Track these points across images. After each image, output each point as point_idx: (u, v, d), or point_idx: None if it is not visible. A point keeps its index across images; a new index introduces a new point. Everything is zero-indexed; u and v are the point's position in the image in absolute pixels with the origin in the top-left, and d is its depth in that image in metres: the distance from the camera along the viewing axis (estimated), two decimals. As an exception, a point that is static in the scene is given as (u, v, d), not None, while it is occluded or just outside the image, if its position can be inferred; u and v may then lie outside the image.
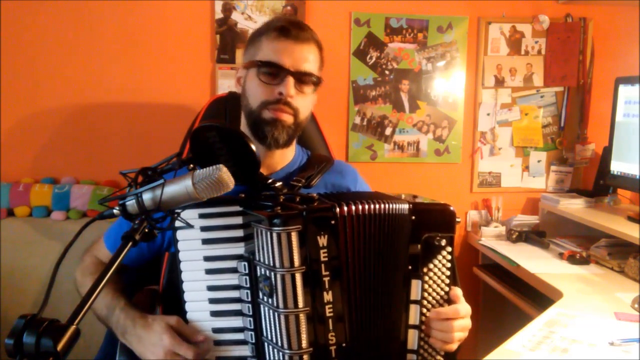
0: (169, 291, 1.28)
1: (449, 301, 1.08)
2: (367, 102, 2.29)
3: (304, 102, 1.22)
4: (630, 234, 1.79)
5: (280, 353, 0.96)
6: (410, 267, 1.06)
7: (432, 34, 2.29)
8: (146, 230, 0.85)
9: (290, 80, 1.17)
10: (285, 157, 1.31)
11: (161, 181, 0.86)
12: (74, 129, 2.15)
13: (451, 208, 1.08)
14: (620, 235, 1.84)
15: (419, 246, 1.06)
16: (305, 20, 2.20)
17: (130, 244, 0.83)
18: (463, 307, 1.08)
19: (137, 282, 1.36)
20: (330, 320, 0.98)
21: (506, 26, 2.34)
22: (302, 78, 1.19)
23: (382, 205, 1.05)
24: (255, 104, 1.20)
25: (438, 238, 1.06)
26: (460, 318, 1.07)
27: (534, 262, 1.93)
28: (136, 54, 2.15)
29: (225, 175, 0.86)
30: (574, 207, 2.23)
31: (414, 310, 1.06)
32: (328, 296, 0.98)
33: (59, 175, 2.16)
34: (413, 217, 1.06)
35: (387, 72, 2.29)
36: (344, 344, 0.99)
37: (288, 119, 1.20)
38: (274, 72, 1.18)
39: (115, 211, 0.88)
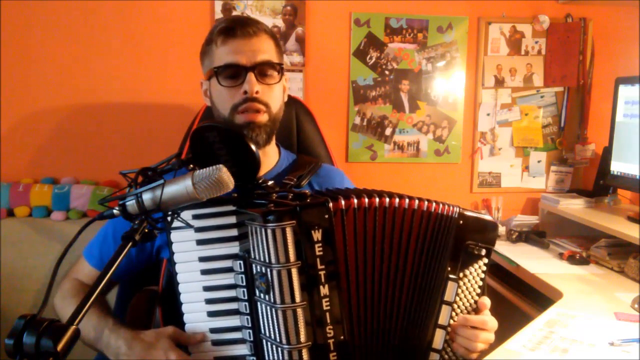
0: (169, 292, 1.28)
1: (477, 309, 1.10)
2: (367, 102, 2.29)
3: (272, 93, 1.21)
4: (630, 234, 1.79)
5: (279, 349, 0.96)
6: (449, 269, 1.07)
7: (432, 34, 2.29)
8: (146, 230, 0.85)
9: (251, 77, 1.16)
10: (270, 160, 1.31)
11: (161, 181, 0.86)
12: (74, 129, 2.15)
13: (496, 222, 1.10)
14: (620, 235, 1.84)
15: (461, 251, 1.08)
16: (305, 20, 2.20)
17: (130, 244, 0.83)
18: (491, 320, 1.09)
19: (137, 283, 1.35)
20: (327, 314, 0.98)
21: (506, 26, 2.34)
22: (262, 70, 1.19)
23: (399, 200, 1.05)
24: (225, 111, 1.20)
25: (479, 247, 1.09)
26: (486, 330, 1.08)
27: (534, 262, 1.93)
28: (136, 54, 2.15)
29: (225, 176, 0.86)
30: (574, 207, 2.23)
31: (445, 310, 1.07)
32: (324, 290, 0.98)
33: (59, 175, 2.16)
34: (461, 222, 1.08)
35: (387, 72, 2.29)
36: (342, 337, 0.99)
37: (262, 117, 1.19)
38: (232, 73, 1.18)
39: (115, 211, 0.88)
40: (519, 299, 1.91)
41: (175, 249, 1.04)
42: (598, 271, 1.84)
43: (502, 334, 1.28)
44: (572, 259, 1.91)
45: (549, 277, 1.76)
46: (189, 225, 0.98)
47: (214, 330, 1.04)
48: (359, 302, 1.03)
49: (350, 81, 2.27)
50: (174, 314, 1.07)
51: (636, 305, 1.49)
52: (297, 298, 0.95)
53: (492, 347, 1.23)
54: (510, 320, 1.25)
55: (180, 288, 1.05)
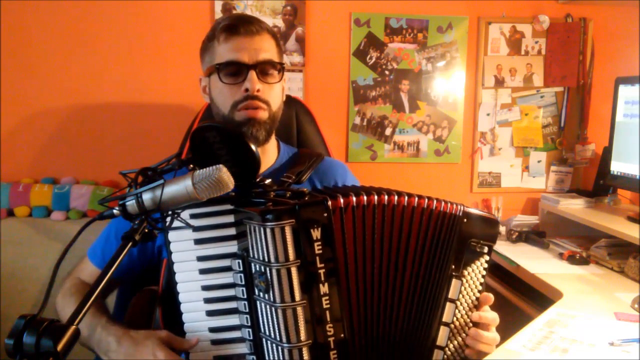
0: (169, 292, 1.28)
1: (478, 306, 1.11)
2: (367, 102, 2.29)
3: (273, 92, 1.21)
4: (630, 234, 1.79)
5: (279, 347, 0.96)
6: (453, 267, 1.08)
7: (432, 34, 2.29)
8: (146, 230, 0.85)
9: (253, 75, 1.17)
10: (270, 156, 1.31)
11: (161, 181, 0.86)
12: (74, 129, 2.15)
13: (498, 219, 1.14)
14: (620, 235, 1.84)
15: (464, 249, 1.09)
16: (305, 20, 2.20)
17: (130, 244, 0.83)
18: (496, 317, 1.11)
19: (137, 283, 1.35)
20: (327, 312, 0.98)
21: (506, 26, 2.34)
22: (263, 69, 1.19)
23: (398, 198, 1.04)
24: (225, 108, 1.20)
25: (481, 245, 1.10)
26: (494, 326, 1.11)
27: (534, 262, 1.93)
28: (136, 54, 2.15)
29: (225, 176, 0.86)
30: (574, 207, 2.23)
31: (449, 308, 1.08)
32: (324, 288, 0.98)
33: (59, 175, 2.16)
34: (465, 220, 1.09)
35: (387, 72, 2.29)
36: (342, 335, 0.99)
37: (262, 115, 1.19)
38: (234, 70, 1.18)
39: (115, 211, 0.88)
40: (519, 299, 1.91)
41: (173, 248, 1.04)
42: (598, 271, 1.84)
43: (502, 334, 1.29)
44: (572, 259, 1.91)
45: (549, 277, 1.76)
46: (188, 225, 0.98)
47: (213, 330, 1.04)
48: (359, 299, 1.03)
49: (350, 81, 2.27)
50: (173, 314, 1.07)
51: (636, 305, 1.49)
52: (297, 297, 0.95)
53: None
54: (510, 320, 1.26)
55: (179, 288, 1.04)
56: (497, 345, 1.24)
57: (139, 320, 1.27)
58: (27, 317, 0.71)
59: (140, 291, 1.34)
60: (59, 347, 0.68)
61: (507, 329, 1.34)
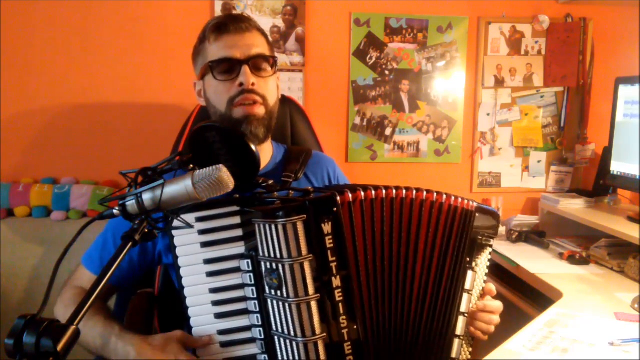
0: (165, 293, 1.28)
1: (483, 295, 1.19)
2: (367, 102, 2.29)
3: (267, 86, 1.22)
4: (630, 234, 1.79)
5: (294, 343, 0.96)
6: (468, 259, 1.13)
7: (432, 34, 2.29)
8: (146, 230, 0.85)
9: (246, 69, 1.17)
10: (266, 154, 1.31)
11: (161, 181, 0.86)
12: (74, 129, 2.15)
13: (498, 213, 1.24)
14: (620, 235, 1.83)
15: (475, 241, 1.15)
16: (305, 20, 2.21)
17: (130, 243, 0.83)
18: (501, 305, 1.20)
19: (136, 287, 1.35)
20: (340, 305, 0.99)
21: (506, 26, 2.34)
22: (256, 63, 1.19)
23: (406, 192, 1.07)
24: (222, 106, 1.20)
25: (486, 237, 1.16)
26: (498, 313, 1.18)
27: (534, 262, 1.93)
28: (136, 53, 2.15)
29: (225, 176, 0.86)
30: (574, 207, 2.23)
31: (465, 298, 1.13)
32: (336, 281, 0.99)
33: (59, 175, 2.16)
34: (477, 215, 1.14)
35: (387, 72, 2.29)
36: (356, 327, 1.00)
37: (259, 110, 1.19)
38: (227, 67, 1.18)
39: (115, 211, 0.88)
40: (519, 299, 1.91)
41: (179, 253, 1.03)
42: (598, 271, 1.84)
43: (502, 334, 1.29)
44: (572, 259, 1.91)
45: (549, 277, 1.76)
46: (188, 225, 0.98)
47: (222, 332, 1.03)
48: (370, 291, 1.03)
49: (350, 81, 2.27)
50: (171, 316, 1.07)
51: (636, 305, 1.49)
52: (311, 291, 0.96)
53: (492, 346, 1.24)
54: (510, 320, 1.26)
55: (186, 292, 1.04)
56: (497, 345, 1.25)
57: (139, 320, 1.27)
58: (27, 317, 0.71)
59: (138, 293, 1.34)
60: (59, 347, 0.68)
61: (507, 329, 1.34)
